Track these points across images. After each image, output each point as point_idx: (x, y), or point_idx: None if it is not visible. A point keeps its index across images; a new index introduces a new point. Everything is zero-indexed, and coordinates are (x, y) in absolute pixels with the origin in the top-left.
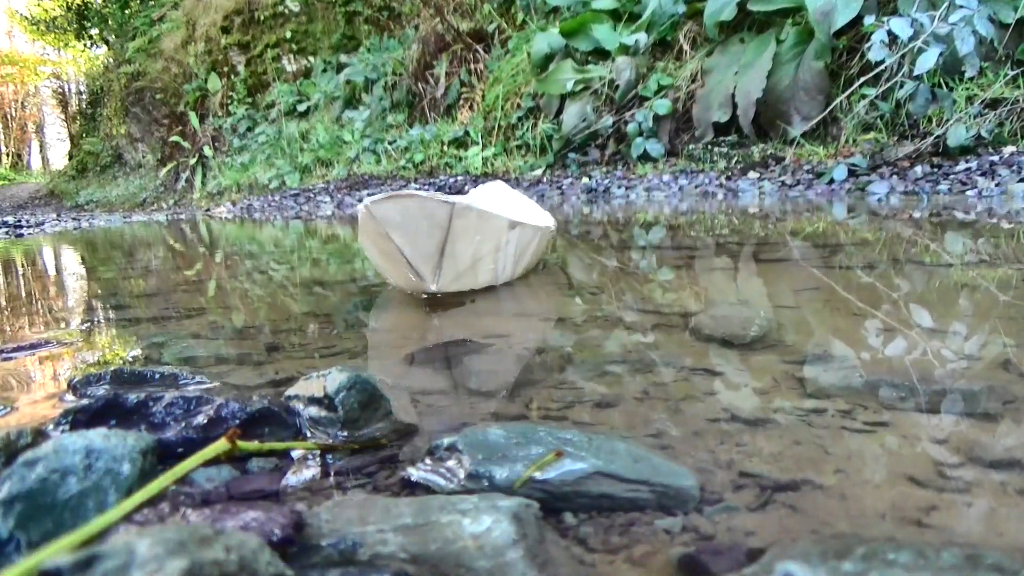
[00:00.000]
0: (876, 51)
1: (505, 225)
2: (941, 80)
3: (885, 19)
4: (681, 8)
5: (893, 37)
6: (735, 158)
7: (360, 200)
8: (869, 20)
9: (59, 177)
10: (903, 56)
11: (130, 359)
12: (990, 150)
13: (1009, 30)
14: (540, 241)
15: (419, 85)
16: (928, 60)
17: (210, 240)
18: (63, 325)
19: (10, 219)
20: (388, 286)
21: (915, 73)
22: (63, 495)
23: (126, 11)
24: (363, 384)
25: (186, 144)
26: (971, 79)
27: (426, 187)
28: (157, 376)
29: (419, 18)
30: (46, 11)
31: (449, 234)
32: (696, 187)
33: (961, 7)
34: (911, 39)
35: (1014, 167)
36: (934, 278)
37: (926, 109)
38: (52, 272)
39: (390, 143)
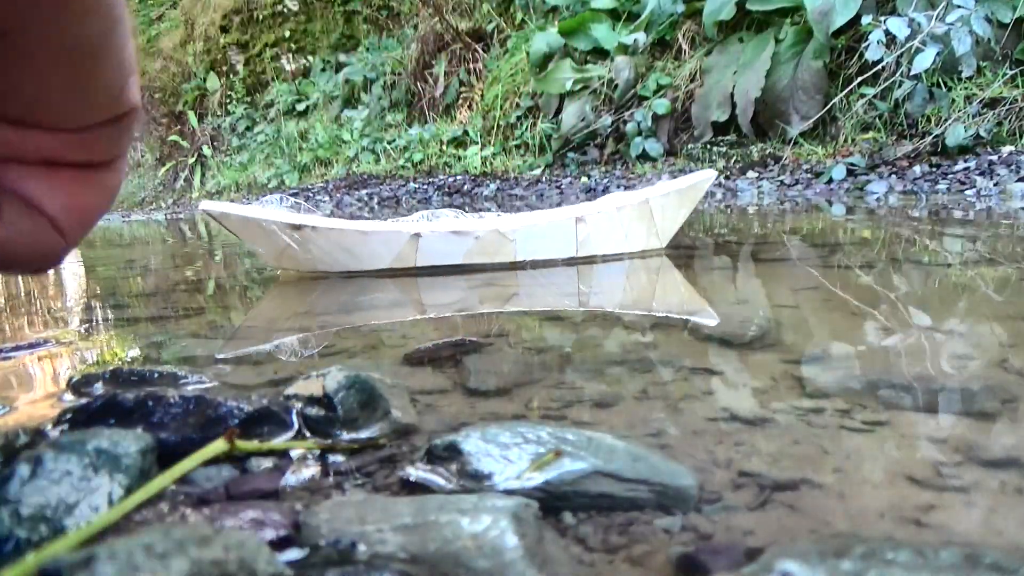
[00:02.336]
0: (874, 51)
1: (282, 227)
2: (940, 80)
3: (883, 19)
4: (680, 7)
5: (891, 37)
6: (734, 157)
7: (359, 199)
8: (867, 20)
9: None
10: (901, 56)
11: (129, 358)
12: (989, 149)
13: (1007, 30)
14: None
15: (418, 84)
16: (925, 60)
17: (209, 239)
18: (62, 324)
19: None
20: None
21: (912, 72)
22: (62, 494)
23: None
24: (362, 384)
25: (185, 143)
26: (968, 79)
27: (425, 186)
28: (156, 375)
29: (418, 17)
30: None
31: (233, 230)
32: None
33: (958, 7)
34: (908, 39)
35: (1012, 166)
36: (933, 277)
37: (924, 108)
38: (50, 271)
39: (389, 142)
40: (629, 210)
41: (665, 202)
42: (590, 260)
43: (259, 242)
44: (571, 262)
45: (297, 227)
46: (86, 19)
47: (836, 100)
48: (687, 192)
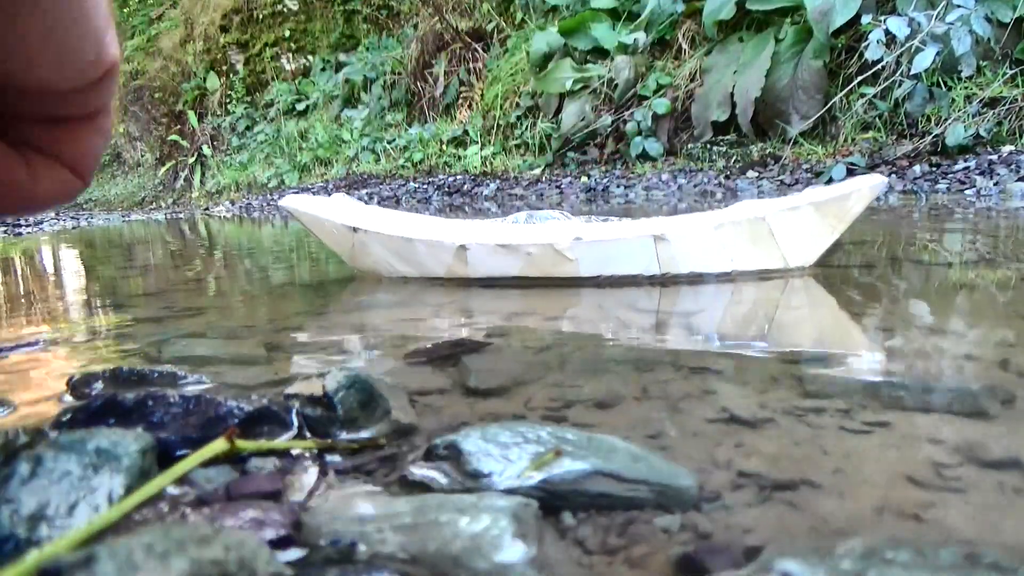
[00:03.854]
0: (873, 50)
1: (341, 227)
2: (939, 79)
3: (883, 18)
4: (680, 7)
5: (891, 36)
6: (734, 157)
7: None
8: (867, 19)
9: None
10: (901, 55)
11: (129, 358)
12: (988, 149)
13: (1007, 29)
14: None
15: (418, 84)
16: (925, 59)
17: (209, 239)
18: (62, 324)
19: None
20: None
21: (912, 72)
22: (62, 494)
23: (124, 10)
24: (362, 384)
25: (185, 143)
26: (968, 78)
27: (425, 186)
28: (156, 375)
29: (418, 17)
30: None
31: (309, 227)
32: (695, 186)
33: (958, 6)
34: (908, 38)
35: (1012, 166)
36: (932, 277)
37: (924, 108)
38: (51, 270)
39: (389, 142)
40: (731, 228)
41: (792, 218)
42: (676, 280)
43: (331, 241)
44: (653, 280)
45: (354, 229)
46: None
47: (836, 100)
48: (827, 206)
